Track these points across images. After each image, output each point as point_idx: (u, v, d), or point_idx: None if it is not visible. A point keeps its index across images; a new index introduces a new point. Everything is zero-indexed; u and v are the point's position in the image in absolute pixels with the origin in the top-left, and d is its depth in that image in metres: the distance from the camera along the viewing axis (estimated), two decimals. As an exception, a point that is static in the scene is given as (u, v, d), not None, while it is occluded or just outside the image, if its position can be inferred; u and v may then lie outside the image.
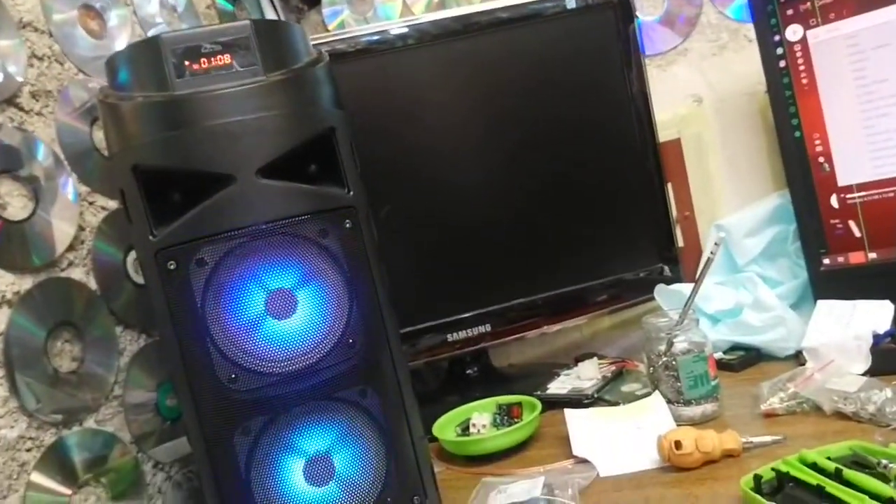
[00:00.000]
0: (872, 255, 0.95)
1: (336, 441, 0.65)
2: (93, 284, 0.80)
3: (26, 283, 0.73)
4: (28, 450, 0.70)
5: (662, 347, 0.84)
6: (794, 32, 0.97)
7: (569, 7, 1.04)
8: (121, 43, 0.91)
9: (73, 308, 0.77)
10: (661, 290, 1.03)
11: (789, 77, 0.97)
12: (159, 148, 0.62)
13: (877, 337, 0.84)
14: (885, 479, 0.58)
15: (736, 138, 1.17)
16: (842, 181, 0.96)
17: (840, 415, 0.74)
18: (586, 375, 1.00)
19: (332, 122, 0.68)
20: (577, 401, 0.94)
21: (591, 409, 0.90)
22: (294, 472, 0.64)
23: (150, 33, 0.96)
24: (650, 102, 1.08)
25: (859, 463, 0.62)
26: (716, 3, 1.17)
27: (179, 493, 0.87)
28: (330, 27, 1.28)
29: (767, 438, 0.72)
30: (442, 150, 1.04)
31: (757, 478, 0.62)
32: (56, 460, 0.72)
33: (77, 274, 0.79)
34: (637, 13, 1.08)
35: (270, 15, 1.23)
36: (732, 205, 1.15)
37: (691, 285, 0.88)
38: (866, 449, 0.63)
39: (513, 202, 1.06)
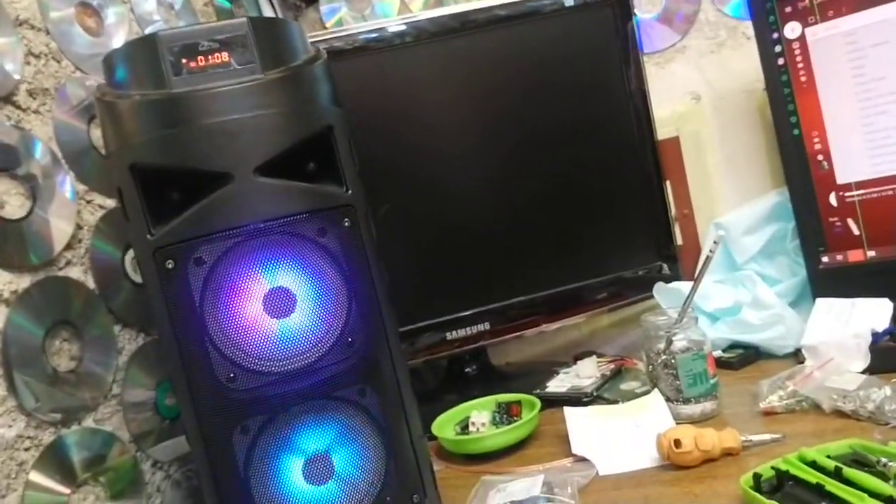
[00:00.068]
0: (871, 253, 0.95)
1: (335, 440, 0.65)
2: (91, 283, 0.80)
3: (24, 281, 0.72)
4: (26, 449, 0.70)
5: (661, 346, 0.84)
6: (792, 30, 0.97)
7: (567, 4, 1.04)
8: (118, 41, 0.91)
9: (71, 307, 0.77)
10: (660, 289, 1.03)
11: (788, 75, 0.97)
12: (157, 146, 0.62)
13: (875, 335, 0.84)
14: (884, 477, 0.58)
15: (734, 136, 1.17)
16: (840, 179, 0.96)
17: (839, 413, 0.74)
18: (585, 374, 1.00)
19: (330, 121, 0.67)
20: (577, 399, 0.94)
21: (590, 408, 0.90)
22: (293, 471, 0.64)
23: (148, 31, 0.96)
24: (649, 100, 1.08)
25: (859, 461, 0.62)
26: (714, 1, 1.17)
27: (178, 491, 0.87)
28: (328, 25, 1.28)
29: (767, 437, 0.72)
30: (440, 147, 1.04)
31: (756, 476, 0.62)
32: (55, 459, 0.72)
33: (75, 273, 0.79)
34: (635, 10, 1.08)
35: (268, 12, 1.22)
36: (731, 202, 1.15)
37: (690, 283, 0.88)
38: (866, 447, 0.63)
39: (511, 200, 1.06)
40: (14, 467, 0.68)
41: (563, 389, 0.98)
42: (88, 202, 0.82)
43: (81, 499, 0.75)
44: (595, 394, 0.94)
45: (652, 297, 1.04)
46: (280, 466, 0.64)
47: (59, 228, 0.77)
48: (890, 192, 0.92)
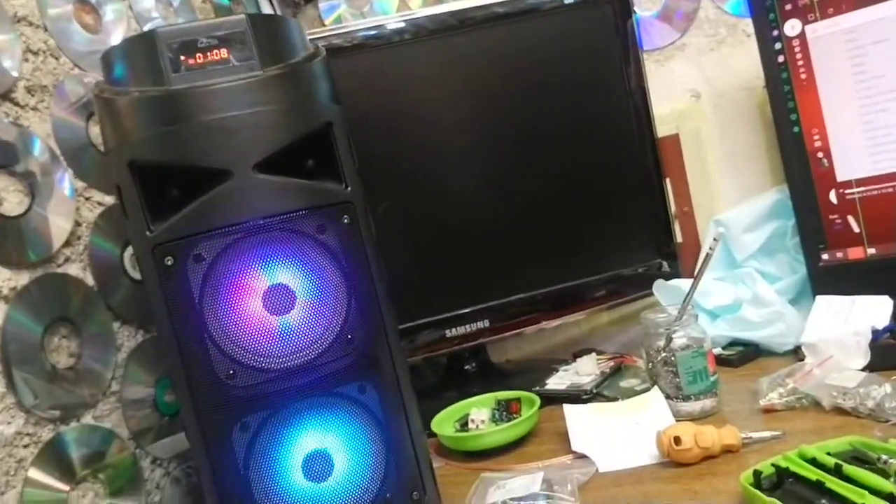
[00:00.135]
0: (871, 251, 0.95)
1: (335, 437, 0.65)
2: (90, 280, 0.80)
3: (23, 278, 0.72)
4: (25, 446, 0.70)
5: (661, 343, 0.84)
6: (792, 27, 0.96)
7: (566, 2, 1.04)
8: (116, 38, 0.91)
9: (69, 304, 0.77)
10: (659, 286, 1.03)
11: (788, 72, 0.97)
12: (156, 143, 0.62)
13: (875, 332, 0.84)
14: (884, 474, 0.58)
15: (734, 133, 1.17)
16: (840, 176, 0.95)
17: (839, 410, 0.74)
18: (585, 371, 1.00)
19: (329, 117, 0.67)
20: (576, 396, 0.94)
21: (589, 405, 0.90)
22: (292, 468, 0.64)
23: (146, 28, 0.96)
24: (648, 98, 1.08)
25: (859, 458, 0.62)
26: (714, -2, 1.17)
27: (178, 488, 0.87)
28: (326, 22, 1.28)
29: (766, 434, 0.72)
30: (440, 145, 1.04)
31: (756, 473, 0.62)
32: (54, 456, 0.72)
33: (74, 269, 0.79)
34: (635, 8, 1.08)
35: (267, 9, 1.22)
36: (731, 200, 1.15)
37: (690, 281, 0.88)
38: (866, 444, 0.63)
39: (511, 197, 1.05)
40: (13, 464, 0.68)
41: (563, 387, 0.98)
42: (87, 199, 0.82)
43: (80, 496, 0.75)
44: (595, 391, 0.94)
45: (652, 294, 1.04)
46: (279, 463, 0.64)
47: (58, 225, 0.77)
48: (890, 190, 0.92)
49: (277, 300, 0.64)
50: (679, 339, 0.83)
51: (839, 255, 0.97)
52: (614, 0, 1.05)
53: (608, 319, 1.23)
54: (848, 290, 0.91)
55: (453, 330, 1.04)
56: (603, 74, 1.07)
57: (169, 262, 0.61)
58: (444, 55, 1.02)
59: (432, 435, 0.88)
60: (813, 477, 0.59)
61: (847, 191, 0.95)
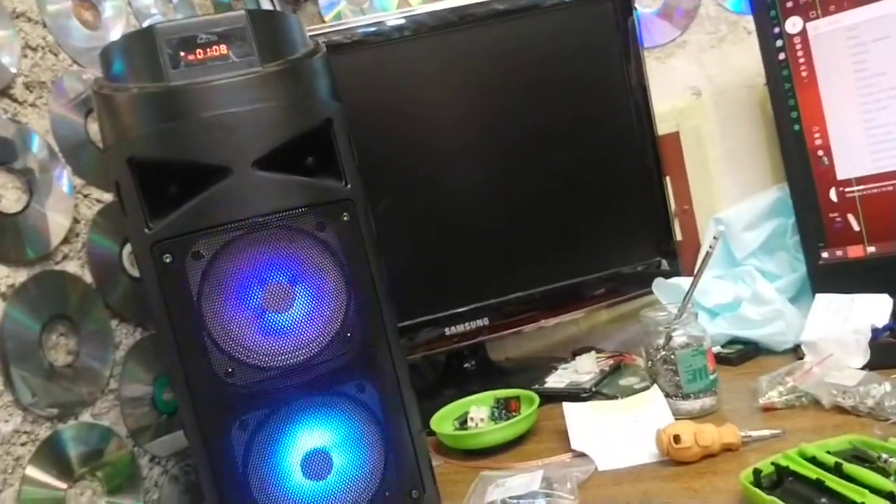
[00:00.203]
0: (871, 249, 0.95)
1: (333, 435, 0.65)
2: (88, 277, 0.80)
3: (21, 275, 0.72)
4: (23, 444, 0.70)
5: (661, 341, 0.84)
6: (793, 25, 0.96)
7: (567, -1, 1.04)
8: (115, 34, 0.90)
9: (68, 301, 0.77)
10: (659, 284, 1.03)
11: (789, 70, 0.97)
12: (155, 140, 0.62)
13: (875, 331, 0.84)
14: (885, 473, 0.58)
15: (735, 131, 1.16)
16: (841, 175, 0.95)
17: (839, 409, 0.74)
18: (584, 369, 1.00)
19: (329, 114, 0.67)
20: (576, 394, 0.93)
21: (589, 403, 0.89)
22: (291, 466, 0.64)
23: (145, 24, 0.95)
24: (649, 95, 1.08)
25: (859, 457, 0.62)
26: (715, -4, 1.17)
27: (176, 487, 0.87)
28: (326, 18, 1.27)
29: (766, 432, 0.72)
30: (439, 142, 1.04)
31: (756, 472, 0.62)
32: (51, 454, 0.72)
33: (72, 267, 0.78)
34: (636, 5, 1.08)
35: (266, 5, 1.22)
36: (731, 198, 1.15)
37: (690, 279, 0.88)
38: (866, 443, 0.63)
39: (511, 195, 1.05)
40: (11, 462, 0.68)
41: (562, 385, 0.98)
42: (85, 196, 0.82)
43: (78, 494, 0.75)
44: (594, 389, 0.94)
45: (651, 292, 1.03)
46: (278, 461, 0.64)
47: (56, 222, 0.77)
48: (890, 188, 0.92)
49: (276, 298, 0.63)
50: (678, 338, 0.83)
51: (839, 253, 0.97)
52: (615, -3, 1.05)
53: (608, 318, 1.22)
54: (848, 288, 0.91)
55: (452, 328, 1.04)
56: (603, 72, 1.07)
57: (168, 260, 0.61)
58: (445, 52, 1.02)
59: (431, 433, 0.88)
60: (813, 475, 0.59)
61: (847, 189, 0.95)
